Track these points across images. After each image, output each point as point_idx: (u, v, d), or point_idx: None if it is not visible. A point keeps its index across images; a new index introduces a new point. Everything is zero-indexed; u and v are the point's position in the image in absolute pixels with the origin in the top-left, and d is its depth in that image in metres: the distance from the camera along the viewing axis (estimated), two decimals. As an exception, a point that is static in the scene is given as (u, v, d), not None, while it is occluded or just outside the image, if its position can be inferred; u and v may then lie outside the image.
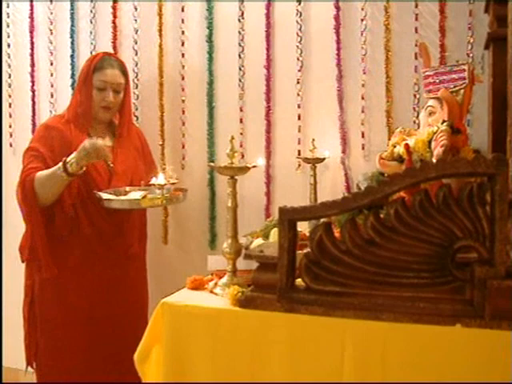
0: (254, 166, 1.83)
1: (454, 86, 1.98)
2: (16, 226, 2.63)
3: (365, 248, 1.51)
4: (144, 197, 2.37)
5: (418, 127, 2.33)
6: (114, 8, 3.04)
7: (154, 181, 2.29)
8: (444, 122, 1.88)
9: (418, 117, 2.47)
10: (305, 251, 1.62)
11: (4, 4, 3.28)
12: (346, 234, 1.51)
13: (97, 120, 2.57)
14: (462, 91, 1.97)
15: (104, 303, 2.48)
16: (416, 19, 2.55)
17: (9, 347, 3.01)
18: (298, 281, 1.61)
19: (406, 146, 1.90)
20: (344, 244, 1.52)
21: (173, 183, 2.40)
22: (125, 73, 2.61)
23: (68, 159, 2.30)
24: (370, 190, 1.48)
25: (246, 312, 1.63)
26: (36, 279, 2.47)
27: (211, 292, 1.81)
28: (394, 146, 2.05)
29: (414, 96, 2.55)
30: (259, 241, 2.10)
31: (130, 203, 2.38)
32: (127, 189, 2.50)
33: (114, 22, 3.04)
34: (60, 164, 2.31)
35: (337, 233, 1.58)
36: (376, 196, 1.47)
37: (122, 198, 2.41)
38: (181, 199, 2.49)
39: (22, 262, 2.53)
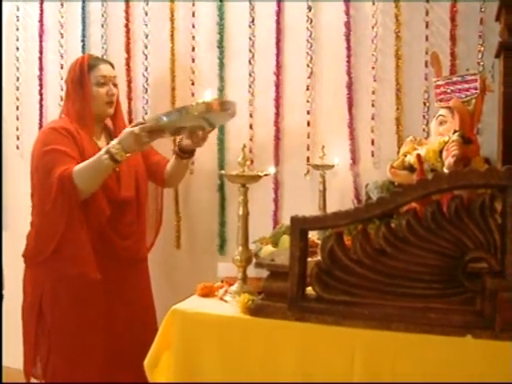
0: (266, 175, 1.83)
1: (466, 96, 1.98)
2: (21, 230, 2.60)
3: (376, 258, 1.51)
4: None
5: (428, 135, 2.33)
6: (127, 12, 3.04)
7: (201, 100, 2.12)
8: (455, 131, 1.88)
9: (427, 125, 2.48)
10: (315, 259, 1.62)
11: (14, 7, 3.29)
12: (358, 244, 1.52)
13: (97, 120, 2.53)
14: (473, 101, 1.98)
15: (116, 309, 2.45)
16: (427, 27, 2.54)
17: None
18: (309, 289, 1.61)
19: (418, 156, 1.91)
20: (355, 254, 1.52)
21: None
22: (113, 67, 2.61)
23: (112, 146, 2.23)
24: (382, 201, 1.48)
25: (256, 320, 1.64)
26: (47, 287, 2.38)
27: (221, 299, 1.81)
28: (405, 155, 2.05)
29: (424, 104, 2.54)
30: (269, 247, 2.11)
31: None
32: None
33: (126, 26, 3.04)
34: (102, 152, 2.24)
35: (347, 240, 1.58)
36: (388, 207, 1.47)
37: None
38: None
39: (33, 265, 2.45)
